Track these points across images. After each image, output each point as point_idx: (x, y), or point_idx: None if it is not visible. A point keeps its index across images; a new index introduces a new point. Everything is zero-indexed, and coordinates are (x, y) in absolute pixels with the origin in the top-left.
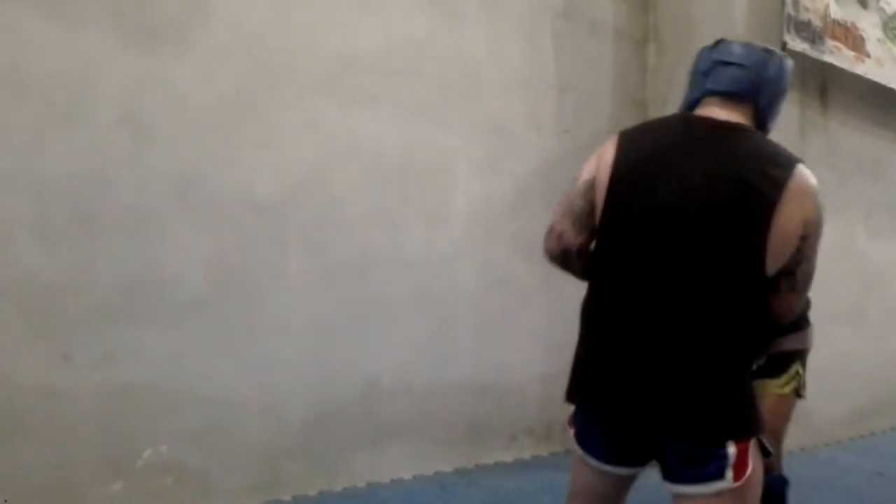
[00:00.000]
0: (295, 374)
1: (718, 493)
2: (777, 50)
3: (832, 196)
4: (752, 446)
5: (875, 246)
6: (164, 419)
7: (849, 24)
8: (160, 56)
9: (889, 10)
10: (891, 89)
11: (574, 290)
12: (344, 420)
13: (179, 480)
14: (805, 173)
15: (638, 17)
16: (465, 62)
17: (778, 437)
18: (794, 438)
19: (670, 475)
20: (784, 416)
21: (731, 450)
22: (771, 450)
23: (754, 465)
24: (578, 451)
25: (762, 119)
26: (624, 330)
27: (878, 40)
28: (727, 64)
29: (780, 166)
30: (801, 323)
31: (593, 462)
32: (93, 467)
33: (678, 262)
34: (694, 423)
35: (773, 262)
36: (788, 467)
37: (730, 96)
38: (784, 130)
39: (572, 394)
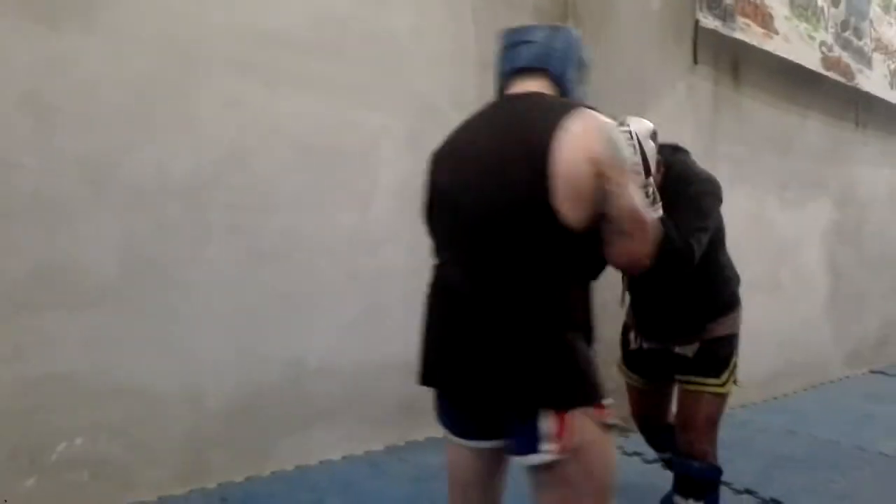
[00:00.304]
0: (218, 360)
1: (537, 468)
2: (563, 25)
3: (746, 169)
4: (584, 416)
5: (787, 216)
6: (81, 412)
7: (758, 2)
8: (66, 33)
9: None
10: (798, 65)
11: None
12: (270, 404)
13: (97, 474)
14: (585, 114)
15: None
16: (388, 40)
17: (713, 435)
18: None
19: (507, 447)
20: (719, 414)
21: (547, 420)
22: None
23: (587, 437)
24: (443, 430)
25: (562, 87)
26: (444, 305)
27: (786, 17)
28: (518, 44)
29: (556, 113)
30: (731, 304)
31: (454, 439)
32: (4, 464)
33: (475, 232)
34: (503, 391)
35: (570, 209)
36: None
37: (524, 70)
38: (698, 106)
39: (419, 374)
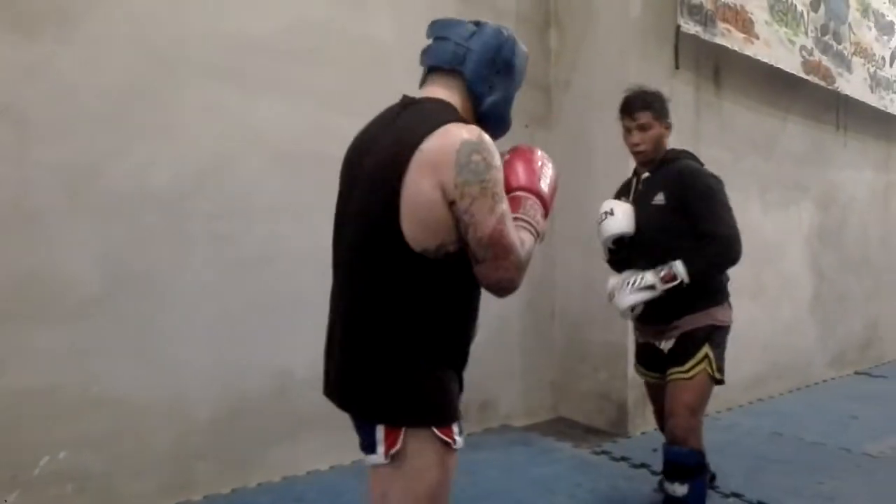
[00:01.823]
0: (202, 371)
1: (372, 468)
2: (489, 22)
3: (728, 173)
4: (420, 437)
5: (770, 219)
6: (64, 425)
7: (738, 7)
8: (43, 42)
9: None
10: (779, 69)
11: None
12: (257, 414)
13: (81, 488)
14: (444, 134)
15: (539, 2)
16: (370, 47)
17: (691, 421)
18: None
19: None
20: (694, 401)
21: (381, 429)
22: None
23: (416, 457)
24: None
25: (474, 88)
26: (330, 314)
27: (766, 22)
28: (435, 39)
29: (419, 132)
30: (712, 297)
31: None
32: None
33: (345, 246)
34: (350, 396)
35: (418, 233)
36: None
37: (437, 69)
38: (680, 111)
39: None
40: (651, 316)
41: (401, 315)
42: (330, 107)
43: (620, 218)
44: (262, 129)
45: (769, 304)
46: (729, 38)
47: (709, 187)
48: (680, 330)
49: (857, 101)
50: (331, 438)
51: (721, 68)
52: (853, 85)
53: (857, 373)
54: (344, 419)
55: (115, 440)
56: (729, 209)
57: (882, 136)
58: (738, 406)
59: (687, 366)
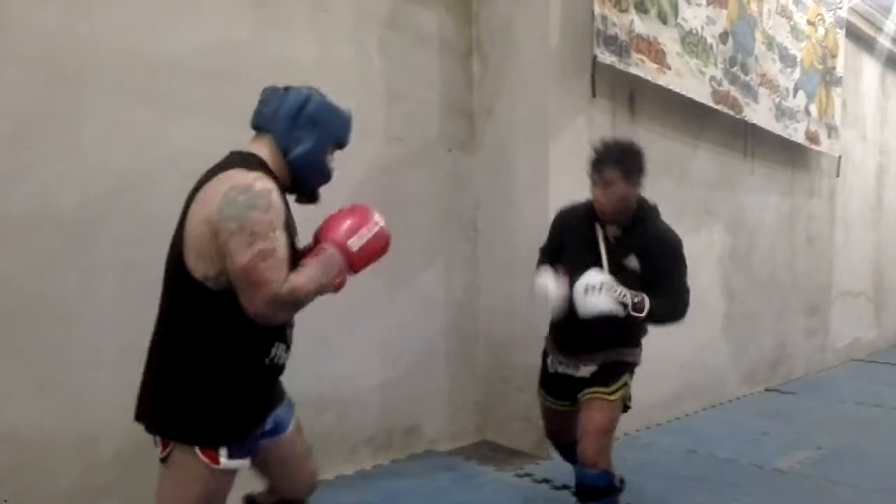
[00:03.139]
0: (111, 402)
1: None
2: (301, 88)
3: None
4: (185, 453)
5: (685, 243)
6: None
7: (651, 39)
8: None
9: (686, 26)
10: (690, 99)
11: (412, 298)
12: None
13: None
14: (223, 178)
15: (462, 29)
16: (289, 69)
17: (604, 443)
18: (619, 425)
19: None
20: (609, 423)
21: (157, 439)
22: None
23: (176, 471)
24: None
25: (281, 142)
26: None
27: (678, 54)
28: (258, 104)
29: (209, 176)
30: (637, 342)
31: None
32: None
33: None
34: (143, 410)
35: (196, 260)
36: (616, 452)
37: (254, 128)
38: (597, 138)
39: None
40: (577, 346)
41: (185, 339)
42: (247, 129)
43: (560, 294)
44: (177, 151)
45: (685, 324)
46: (643, 68)
47: (682, 256)
48: (602, 359)
49: (763, 129)
50: (246, 470)
51: (636, 97)
52: (760, 114)
53: (767, 389)
54: None
55: (15, 476)
56: (687, 275)
57: (787, 163)
58: (655, 425)
59: (611, 388)
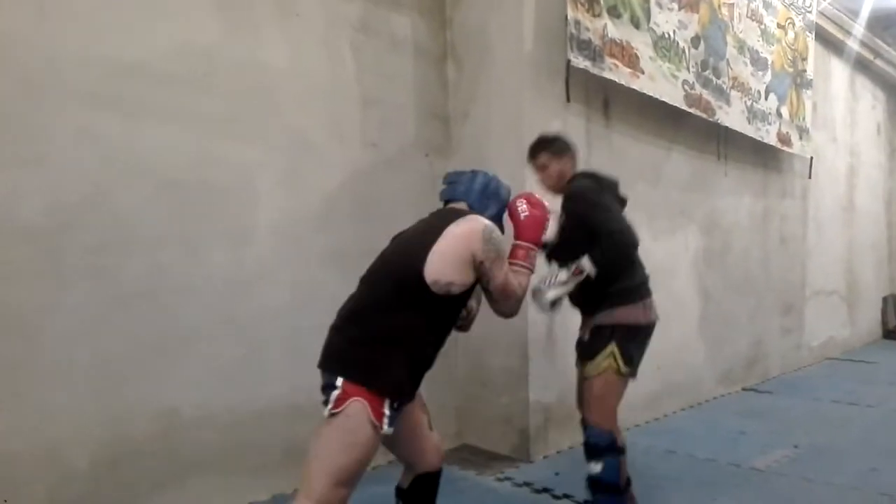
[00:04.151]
0: (79, 414)
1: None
2: (482, 172)
3: None
4: (359, 404)
5: (659, 245)
6: None
7: (624, 44)
8: None
9: (658, 30)
10: (663, 102)
11: None
12: (140, 458)
13: None
14: (472, 219)
15: (436, 33)
16: (260, 73)
17: (601, 407)
18: None
19: None
20: (602, 391)
21: (339, 384)
22: None
23: (353, 418)
24: None
25: (477, 209)
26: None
27: (651, 58)
28: (448, 183)
29: (451, 217)
30: (617, 298)
31: None
32: None
33: (381, 266)
34: (331, 358)
35: (436, 267)
36: None
37: (453, 199)
38: (574, 143)
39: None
40: (581, 308)
41: (395, 318)
42: (218, 134)
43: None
44: (145, 157)
45: (662, 325)
46: (616, 72)
47: (584, 201)
48: (593, 324)
49: (735, 132)
50: (225, 479)
51: (610, 101)
52: (732, 117)
53: (744, 389)
54: (237, 461)
55: None
56: (604, 210)
57: (759, 165)
58: (634, 426)
59: (595, 361)
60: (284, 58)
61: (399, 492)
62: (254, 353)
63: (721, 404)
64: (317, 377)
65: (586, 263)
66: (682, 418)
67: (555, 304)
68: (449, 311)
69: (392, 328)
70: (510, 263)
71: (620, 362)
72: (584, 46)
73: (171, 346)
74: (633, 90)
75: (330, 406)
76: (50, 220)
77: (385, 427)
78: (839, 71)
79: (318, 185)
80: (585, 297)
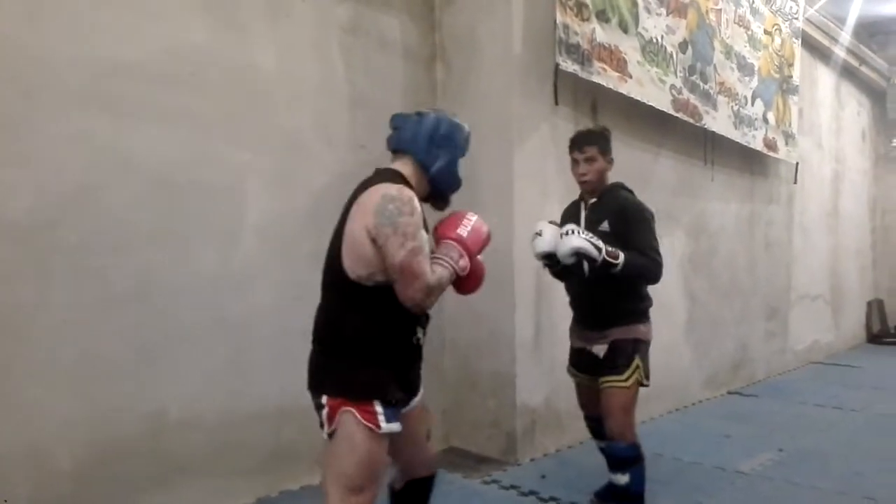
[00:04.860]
0: (65, 415)
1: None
2: (430, 112)
3: None
4: (349, 414)
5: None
6: None
7: (612, 48)
8: None
9: (647, 35)
10: (651, 107)
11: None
12: (125, 460)
13: None
14: (374, 190)
15: (425, 36)
16: (250, 74)
17: (627, 420)
18: (584, 433)
19: None
20: (629, 404)
21: (325, 402)
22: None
23: (346, 425)
24: None
25: (424, 163)
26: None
27: (638, 62)
28: (393, 129)
29: (361, 190)
30: (635, 315)
31: None
32: None
33: (324, 265)
34: (313, 379)
35: (349, 261)
36: (582, 456)
37: (393, 151)
38: (560, 145)
39: None
40: (587, 319)
41: (347, 324)
42: (208, 134)
43: (548, 239)
44: (135, 157)
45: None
46: (604, 76)
47: (646, 220)
48: (610, 339)
49: (722, 137)
50: (211, 482)
51: (598, 105)
52: (719, 122)
53: (729, 392)
54: (224, 463)
55: None
56: (657, 240)
57: (746, 170)
58: None
59: (625, 375)
60: (274, 58)
61: (392, 492)
62: (241, 354)
63: (707, 408)
64: (303, 380)
65: (622, 256)
66: (668, 421)
67: (576, 256)
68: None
69: (351, 334)
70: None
71: (643, 376)
72: (573, 50)
73: (159, 347)
74: (621, 94)
75: (325, 427)
76: (37, 219)
77: (384, 425)
78: (825, 77)
79: (306, 186)
80: (596, 309)
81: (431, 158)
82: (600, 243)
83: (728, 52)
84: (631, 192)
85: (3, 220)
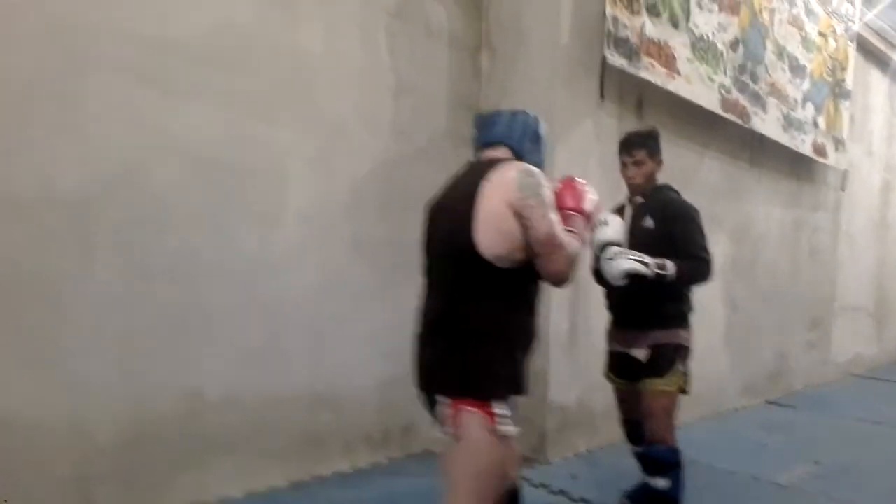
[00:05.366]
0: (106, 390)
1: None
2: (521, 111)
3: None
4: (474, 413)
5: None
6: None
7: (662, 43)
8: None
9: (697, 31)
10: (698, 105)
11: (410, 296)
12: (164, 437)
13: None
14: (504, 168)
15: (471, 24)
16: (295, 56)
17: (668, 423)
18: (616, 434)
19: None
20: (671, 407)
21: (448, 403)
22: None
23: (472, 428)
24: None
25: (518, 154)
26: (420, 310)
27: (688, 59)
28: (486, 125)
29: (486, 170)
30: (676, 319)
31: None
32: None
33: (436, 252)
34: (430, 378)
35: (488, 239)
36: (614, 458)
37: (485, 145)
38: (604, 141)
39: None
40: (628, 321)
41: (477, 311)
42: (251, 115)
43: (613, 228)
44: (179, 135)
45: None
46: (652, 72)
47: (692, 218)
48: (651, 342)
49: (769, 139)
50: (245, 463)
51: (644, 101)
52: (768, 124)
53: (767, 402)
54: (261, 443)
55: (8, 463)
56: (705, 236)
57: (793, 175)
58: None
59: (665, 379)
60: (320, 40)
61: None
62: (278, 337)
63: (743, 416)
64: (337, 364)
65: (671, 265)
66: (702, 428)
67: (627, 278)
68: (532, 277)
69: (479, 325)
70: None
71: (685, 382)
72: (621, 44)
73: (197, 326)
74: (668, 92)
75: (446, 427)
76: (82, 192)
77: (504, 428)
78: (879, 84)
79: (347, 172)
80: (637, 311)
81: (527, 151)
82: (647, 258)
83: (780, 52)
84: (678, 193)
85: (51, 190)
